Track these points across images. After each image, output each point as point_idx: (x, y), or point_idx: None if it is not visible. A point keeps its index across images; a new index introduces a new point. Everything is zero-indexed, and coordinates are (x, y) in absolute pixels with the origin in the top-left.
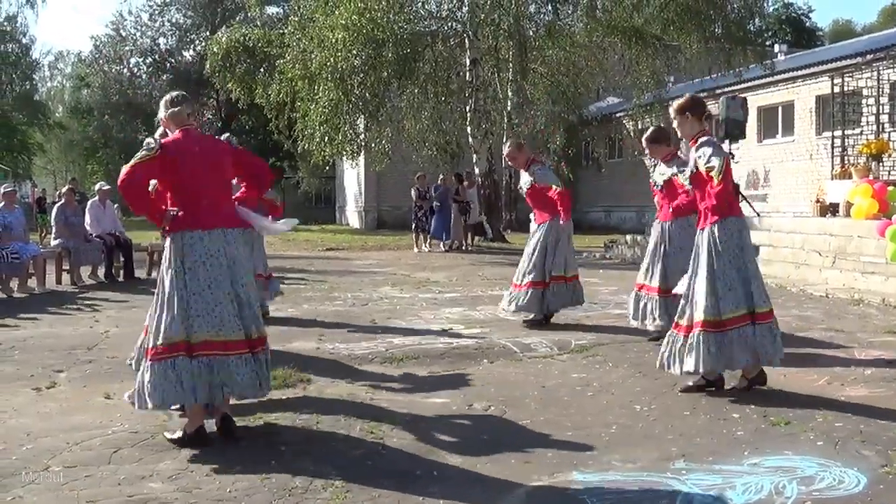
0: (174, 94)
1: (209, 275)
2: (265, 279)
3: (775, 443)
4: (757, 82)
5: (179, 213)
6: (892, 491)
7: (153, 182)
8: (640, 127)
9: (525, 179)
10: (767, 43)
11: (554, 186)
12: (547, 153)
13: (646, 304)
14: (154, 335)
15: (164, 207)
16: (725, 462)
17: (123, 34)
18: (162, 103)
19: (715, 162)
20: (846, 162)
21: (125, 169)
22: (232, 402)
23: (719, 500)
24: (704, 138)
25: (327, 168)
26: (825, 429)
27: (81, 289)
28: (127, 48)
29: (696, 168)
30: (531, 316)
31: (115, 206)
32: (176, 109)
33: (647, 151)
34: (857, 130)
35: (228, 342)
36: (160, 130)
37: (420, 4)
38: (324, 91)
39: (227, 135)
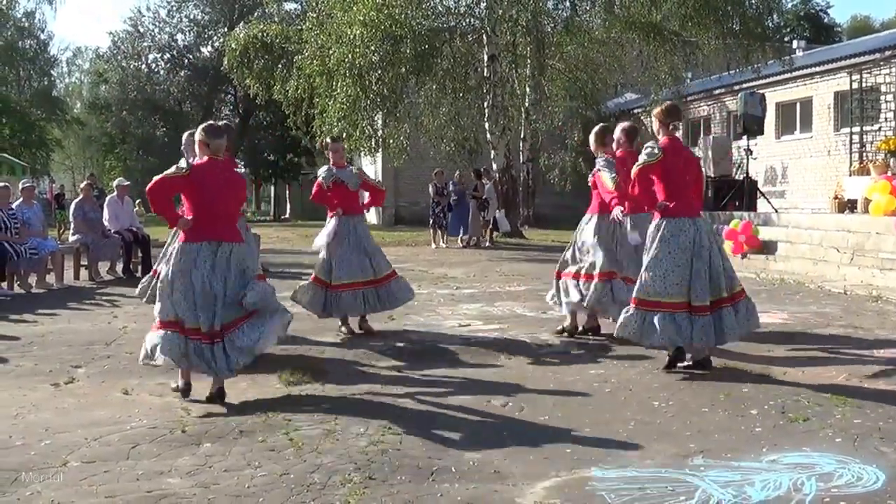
0: (219, 123)
1: (198, 277)
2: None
3: (794, 439)
4: (775, 78)
5: (192, 223)
6: None
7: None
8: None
9: None
10: (786, 39)
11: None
12: (564, 149)
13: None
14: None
15: (180, 214)
16: (744, 458)
17: (141, 30)
18: (203, 128)
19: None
20: (864, 158)
21: (156, 178)
22: (251, 394)
23: (738, 497)
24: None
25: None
26: (844, 425)
27: (99, 284)
28: (145, 44)
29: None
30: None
31: (139, 200)
32: (219, 141)
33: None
34: (876, 126)
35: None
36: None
37: (438, 0)
38: (342, 87)
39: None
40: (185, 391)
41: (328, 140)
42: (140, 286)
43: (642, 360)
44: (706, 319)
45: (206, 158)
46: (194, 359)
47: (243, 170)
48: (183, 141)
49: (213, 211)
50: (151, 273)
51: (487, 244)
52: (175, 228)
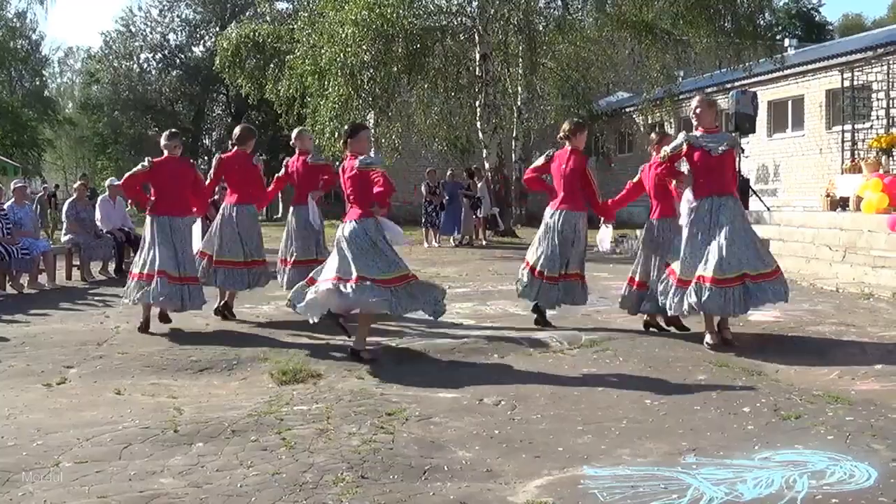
0: (170, 131)
1: (162, 237)
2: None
3: (786, 437)
4: (767, 77)
5: (154, 203)
6: None
7: None
8: (649, 121)
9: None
10: (777, 37)
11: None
12: (557, 148)
13: None
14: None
15: (148, 197)
16: (736, 456)
17: (133, 30)
18: (164, 135)
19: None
20: (856, 156)
21: (127, 174)
22: (243, 393)
23: (730, 494)
24: None
25: (337, 163)
26: (836, 423)
27: (91, 284)
28: (137, 44)
29: None
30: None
31: (129, 201)
32: (169, 143)
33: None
34: (868, 124)
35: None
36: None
37: (430, 0)
38: (333, 86)
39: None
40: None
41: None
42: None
43: (634, 358)
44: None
45: (165, 156)
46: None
47: (262, 158)
48: (293, 136)
49: (167, 194)
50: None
51: (484, 243)
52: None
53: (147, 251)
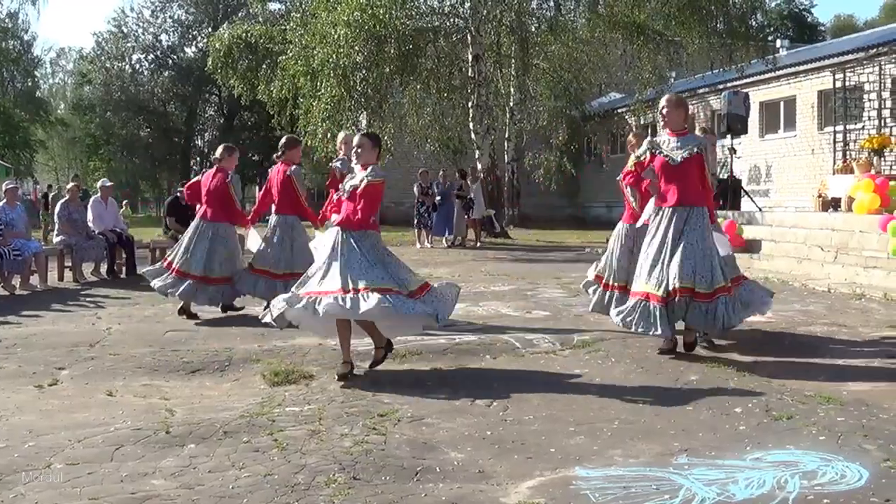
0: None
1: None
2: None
3: (778, 437)
4: (759, 77)
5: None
6: (894, 485)
7: None
8: (642, 122)
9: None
10: (769, 38)
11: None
12: (549, 149)
13: None
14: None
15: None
16: (728, 457)
17: (125, 31)
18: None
19: None
20: (848, 157)
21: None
22: (235, 395)
23: (722, 495)
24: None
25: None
26: (827, 423)
27: (84, 286)
28: (129, 45)
29: None
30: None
31: (125, 202)
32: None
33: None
34: (859, 125)
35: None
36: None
37: (422, 0)
38: (326, 87)
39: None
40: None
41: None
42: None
43: (626, 359)
44: None
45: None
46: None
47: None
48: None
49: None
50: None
51: (478, 244)
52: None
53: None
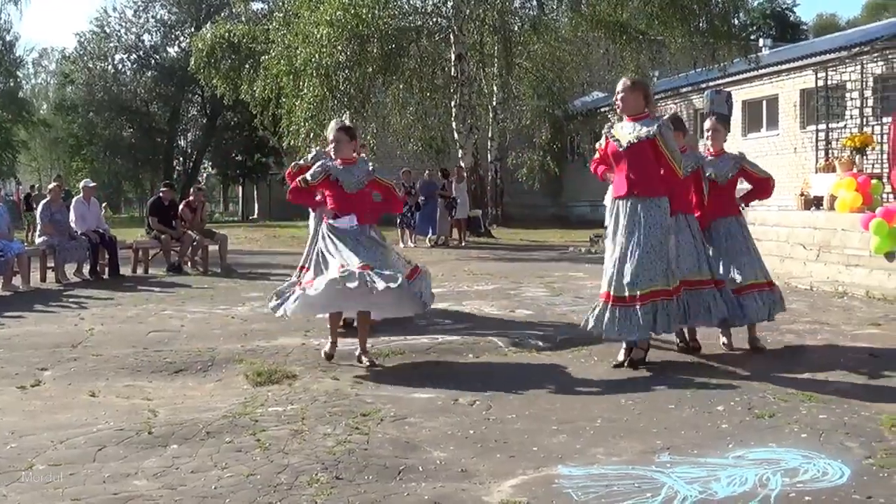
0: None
1: None
2: None
3: (760, 435)
4: (741, 76)
5: None
6: (875, 482)
7: None
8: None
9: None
10: (752, 37)
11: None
12: (532, 148)
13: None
14: None
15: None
16: (710, 455)
17: (108, 31)
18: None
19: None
20: (830, 155)
21: None
22: (218, 395)
23: (704, 493)
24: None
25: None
26: (809, 421)
27: (66, 286)
28: (111, 45)
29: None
30: None
31: (104, 203)
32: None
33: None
34: (842, 124)
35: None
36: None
37: (405, 0)
38: (309, 87)
39: None
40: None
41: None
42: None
43: (609, 358)
44: None
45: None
46: None
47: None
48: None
49: None
50: None
51: (463, 244)
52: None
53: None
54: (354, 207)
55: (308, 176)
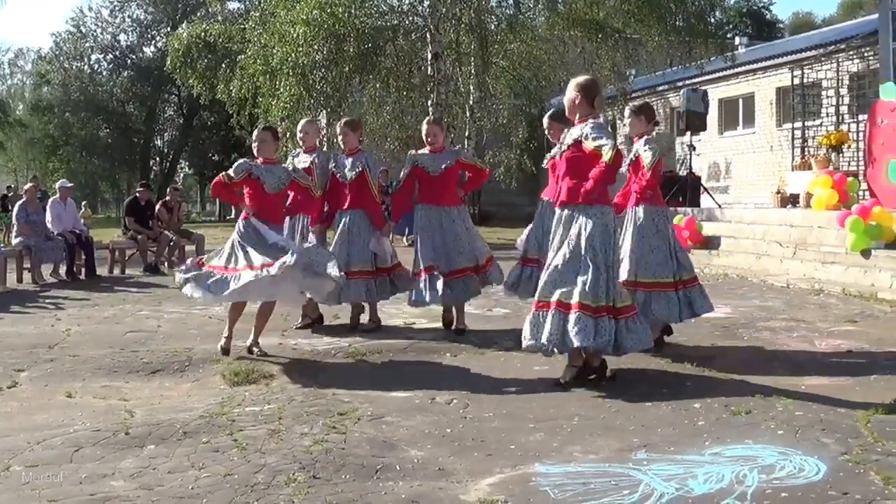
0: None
1: None
2: None
3: (736, 432)
4: (718, 74)
5: None
6: (851, 478)
7: None
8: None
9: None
10: (728, 35)
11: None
12: (509, 146)
13: None
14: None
15: None
16: (686, 452)
17: (84, 31)
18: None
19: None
20: (806, 153)
21: None
22: (195, 394)
23: (681, 490)
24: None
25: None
26: (786, 418)
27: (43, 287)
28: (87, 45)
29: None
30: None
31: (84, 203)
32: None
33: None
34: (818, 122)
35: None
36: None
37: None
38: (285, 86)
39: None
40: None
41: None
42: None
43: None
44: None
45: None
46: None
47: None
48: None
49: None
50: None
51: None
52: None
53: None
54: (273, 207)
55: (231, 171)
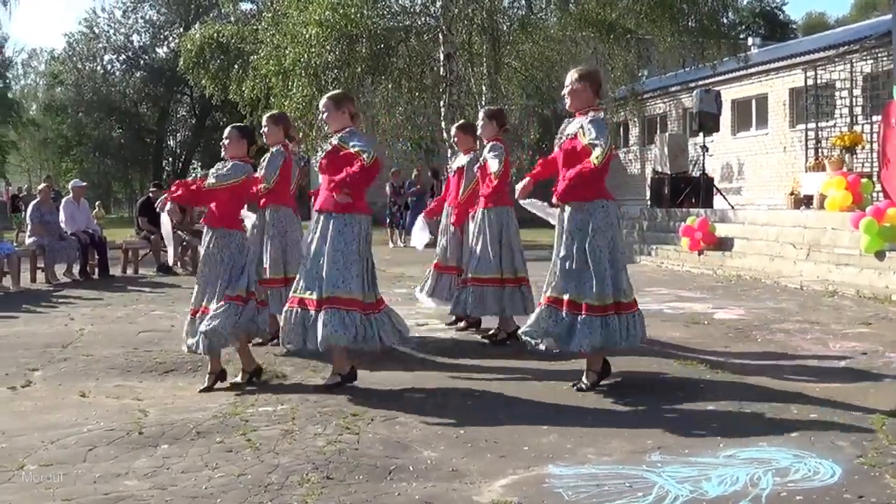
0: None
1: None
2: None
3: (751, 434)
4: (731, 75)
5: None
6: (867, 481)
7: None
8: (614, 121)
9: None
10: (741, 36)
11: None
12: (522, 147)
13: None
14: None
15: None
16: (700, 454)
17: (97, 31)
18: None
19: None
20: (820, 154)
21: None
22: (208, 395)
23: (695, 492)
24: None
25: (302, 164)
26: (800, 420)
27: (56, 287)
28: (100, 45)
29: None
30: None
31: (98, 202)
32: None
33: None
34: (831, 123)
35: None
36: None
37: (393, 0)
38: (297, 87)
39: None
40: None
41: None
42: None
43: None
44: None
45: None
46: None
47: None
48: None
49: None
50: None
51: None
52: None
53: None
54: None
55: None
